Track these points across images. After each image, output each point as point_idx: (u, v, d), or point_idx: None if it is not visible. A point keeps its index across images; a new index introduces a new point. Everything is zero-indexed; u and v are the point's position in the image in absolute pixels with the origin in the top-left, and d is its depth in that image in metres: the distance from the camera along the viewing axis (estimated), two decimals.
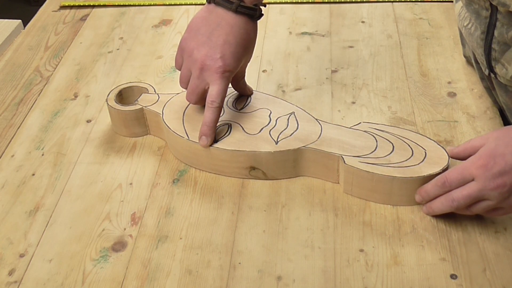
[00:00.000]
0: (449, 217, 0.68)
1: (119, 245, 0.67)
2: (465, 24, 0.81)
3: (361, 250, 0.65)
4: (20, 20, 1.08)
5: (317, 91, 0.88)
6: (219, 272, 0.63)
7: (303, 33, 1.02)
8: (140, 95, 0.82)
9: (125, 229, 0.69)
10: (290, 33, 1.03)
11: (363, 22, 1.04)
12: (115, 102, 0.80)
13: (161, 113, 0.78)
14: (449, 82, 0.88)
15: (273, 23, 1.05)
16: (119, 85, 0.84)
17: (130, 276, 0.63)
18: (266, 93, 0.82)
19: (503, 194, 0.62)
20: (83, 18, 1.10)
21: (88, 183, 0.75)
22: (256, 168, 0.73)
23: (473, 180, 0.63)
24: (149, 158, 0.78)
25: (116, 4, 1.12)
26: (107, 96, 0.81)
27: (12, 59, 1.00)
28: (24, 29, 1.08)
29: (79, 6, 1.13)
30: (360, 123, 0.76)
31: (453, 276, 0.61)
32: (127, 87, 0.83)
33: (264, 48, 0.99)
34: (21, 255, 0.66)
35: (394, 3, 1.09)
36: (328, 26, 1.04)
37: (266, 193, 0.72)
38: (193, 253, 0.65)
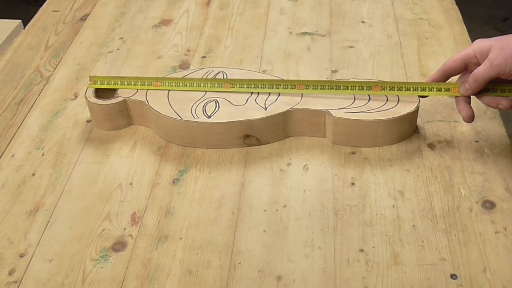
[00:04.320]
0: (449, 217, 0.68)
1: (119, 245, 0.67)
2: None
3: (361, 250, 0.65)
4: (20, 20, 1.08)
5: None
6: (219, 272, 0.63)
7: (303, 33, 1.02)
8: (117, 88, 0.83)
9: (125, 229, 0.69)
10: (290, 33, 1.03)
11: (363, 22, 1.04)
12: (96, 98, 0.81)
13: (146, 100, 0.80)
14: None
15: (273, 23, 1.05)
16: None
17: (130, 276, 0.63)
18: (237, 68, 0.87)
19: None
20: (83, 18, 1.10)
21: (88, 183, 0.75)
22: (250, 135, 0.77)
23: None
24: (149, 158, 0.78)
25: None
26: (85, 94, 0.82)
27: (12, 59, 1.00)
28: (24, 29, 1.08)
29: (79, 6, 1.13)
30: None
31: (453, 276, 0.61)
32: None
33: (264, 48, 0.99)
34: (21, 255, 0.66)
35: (394, 3, 1.09)
36: (328, 26, 1.04)
37: (266, 193, 0.72)
38: (193, 253, 0.65)
